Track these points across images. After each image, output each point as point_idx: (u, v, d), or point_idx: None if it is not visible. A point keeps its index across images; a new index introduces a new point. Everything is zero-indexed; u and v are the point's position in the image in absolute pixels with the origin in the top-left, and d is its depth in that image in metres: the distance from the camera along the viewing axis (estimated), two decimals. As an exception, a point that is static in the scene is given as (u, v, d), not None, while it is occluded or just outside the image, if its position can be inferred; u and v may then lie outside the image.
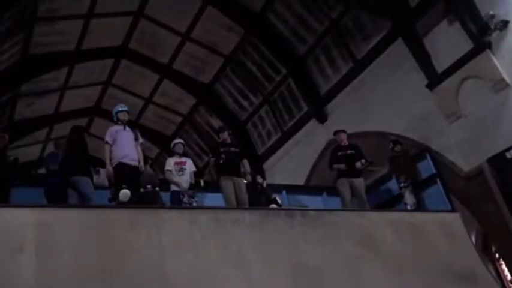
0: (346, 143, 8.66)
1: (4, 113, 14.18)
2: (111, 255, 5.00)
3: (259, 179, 8.38)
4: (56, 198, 6.23)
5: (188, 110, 15.73)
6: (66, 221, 5.10)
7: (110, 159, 6.23)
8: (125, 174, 6.08)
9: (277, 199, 7.89)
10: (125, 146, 6.32)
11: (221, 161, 7.31)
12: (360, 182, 8.26)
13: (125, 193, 5.77)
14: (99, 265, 4.85)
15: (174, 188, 7.23)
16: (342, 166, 8.22)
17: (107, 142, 6.36)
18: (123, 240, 5.16)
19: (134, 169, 6.25)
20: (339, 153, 8.51)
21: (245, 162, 7.63)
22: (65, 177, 6.11)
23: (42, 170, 8.66)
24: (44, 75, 13.18)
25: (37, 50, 12.38)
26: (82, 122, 16.74)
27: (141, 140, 6.70)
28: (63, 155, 6.47)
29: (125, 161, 6.18)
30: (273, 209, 7.33)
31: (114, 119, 6.68)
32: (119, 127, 6.56)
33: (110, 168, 6.17)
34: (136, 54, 13.98)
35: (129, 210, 5.70)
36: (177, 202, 6.99)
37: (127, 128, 6.60)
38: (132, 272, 4.95)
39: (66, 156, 6.36)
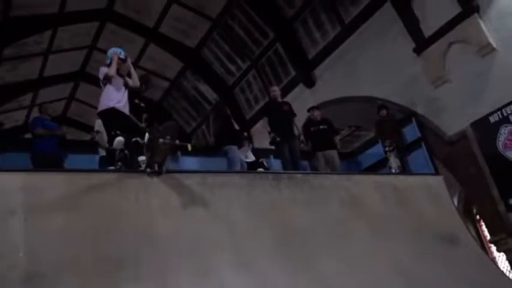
0: (319, 119, 8.99)
1: (-14, 78, 13.91)
2: (100, 218, 5.04)
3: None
4: (44, 162, 6.24)
5: (175, 75, 15.57)
6: (54, 185, 5.10)
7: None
8: (116, 120, 5.92)
9: (264, 163, 7.99)
10: (118, 91, 6.09)
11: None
12: (333, 154, 8.69)
13: (119, 141, 5.72)
14: (87, 228, 4.88)
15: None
16: (309, 146, 8.64)
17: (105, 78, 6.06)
18: (112, 203, 5.20)
19: (125, 116, 6.05)
20: (312, 129, 8.86)
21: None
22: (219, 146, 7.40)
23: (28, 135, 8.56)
24: (27, 39, 12.84)
25: (19, 13, 12.00)
26: (67, 87, 16.53)
27: (130, 82, 6.38)
28: (216, 129, 7.55)
29: (116, 106, 5.95)
30: (261, 172, 7.42)
31: (108, 61, 6.29)
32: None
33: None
34: (122, 17, 13.65)
35: (116, 173, 5.72)
36: None
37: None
38: (120, 235, 5.00)
39: (219, 129, 7.48)
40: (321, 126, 8.86)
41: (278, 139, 7.73)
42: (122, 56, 6.27)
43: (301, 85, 12.34)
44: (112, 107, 5.92)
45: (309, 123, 9.02)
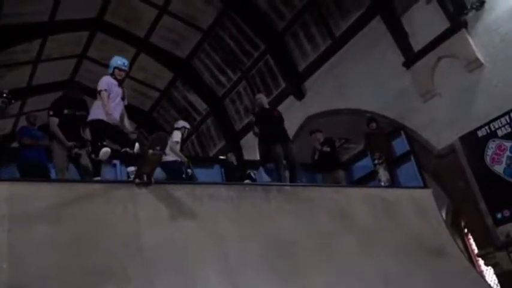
0: (322, 140, 9.10)
1: (-26, 85, 13.74)
2: (86, 229, 4.96)
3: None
4: (30, 172, 6.15)
5: (165, 85, 15.55)
6: (40, 196, 5.02)
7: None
8: (107, 131, 5.78)
9: (252, 174, 7.96)
10: (115, 102, 5.96)
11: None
12: (341, 174, 8.86)
13: (105, 151, 5.61)
14: (73, 239, 4.81)
15: (173, 158, 7.37)
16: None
17: (105, 90, 5.86)
18: (99, 214, 5.12)
19: (117, 127, 5.90)
20: (316, 157, 9.06)
21: None
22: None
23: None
24: (16, 47, 12.75)
25: (8, 21, 11.93)
26: (56, 96, 16.37)
27: (125, 101, 6.28)
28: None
29: (107, 119, 5.79)
30: (249, 184, 7.38)
31: (110, 71, 6.11)
32: (114, 81, 6.05)
33: (111, 115, 5.78)
34: (112, 26, 13.64)
35: (104, 184, 5.66)
36: (177, 173, 7.14)
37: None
38: (107, 246, 4.93)
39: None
40: (324, 148, 8.94)
41: (257, 131, 7.67)
42: (124, 68, 6.15)
43: (291, 97, 12.39)
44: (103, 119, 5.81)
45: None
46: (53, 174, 6.36)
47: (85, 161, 6.07)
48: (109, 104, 5.80)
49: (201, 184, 6.57)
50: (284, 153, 7.44)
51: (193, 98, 15.25)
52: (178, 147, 7.59)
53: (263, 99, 8.00)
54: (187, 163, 7.51)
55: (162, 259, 5.07)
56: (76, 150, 6.01)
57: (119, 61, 6.14)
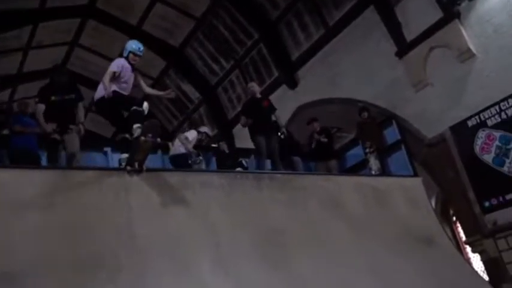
0: (318, 130, 9.24)
1: (-36, 72, 13.62)
2: (78, 216, 4.96)
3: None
4: (21, 159, 6.14)
5: (158, 74, 15.46)
6: (30, 182, 5.01)
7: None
8: (110, 106, 5.64)
9: (243, 162, 8.00)
10: (128, 84, 5.87)
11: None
12: (334, 164, 9.03)
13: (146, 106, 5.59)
14: (64, 226, 4.80)
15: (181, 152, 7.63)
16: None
17: (114, 73, 5.71)
18: (90, 201, 5.12)
19: (119, 98, 5.75)
20: (313, 142, 9.17)
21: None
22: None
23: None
24: (6, 33, 12.60)
25: (-2, 7, 11.80)
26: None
27: (146, 89, 6.20)
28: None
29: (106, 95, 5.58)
30: (241, 172, 7.41)
31: (125, 54, 5.91)
32: (128, 65, 5.87)
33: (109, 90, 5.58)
34: (104, 14, 13.51)
35: (96, 171, 5.66)
36: (185, 163, 7.35)
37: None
38: (99, 234, 4.94)
39: None
40: (321, 138, 9.06)
41: (243, 122, 7.76)
42: (139, 53, 5.94)
43: (284, 86, 12.39)
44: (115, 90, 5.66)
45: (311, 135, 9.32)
46: (44, 162, 6.35)
47: (71, 147, 6.03)
48: (107, 78, 5.62)
49: (193, 172, 6.58)
50: (266, 144, 7.50)
51: (186, 86, 15.20)
52: (190, 145, 7.71)
53: (255, 88, 7.99)
54: (195, 154, 7.71)
55: (154, 247, 5.09)
56: (55, 135, 5.96)
57: (134, 45, 5.93)
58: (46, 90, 6.23)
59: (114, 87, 5.69)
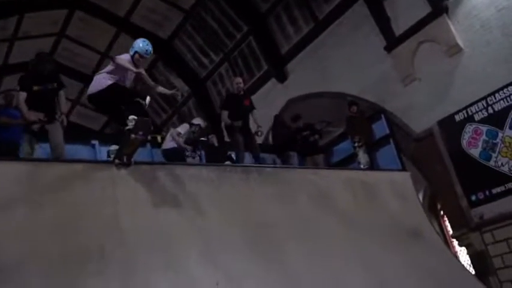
0: (301, 125, 9.41)
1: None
2: (64, 210, 4.89)
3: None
4: (7, 152, 6.03)
5: (147, 66, 15.29)
6: (16, 175, 4.94)
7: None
8: (106, 99, 5.49)
9: (232, 156, 7.99)
10: (126, 83, 5.66)
11: None
12: (320, 159, 9.15)
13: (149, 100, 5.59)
14: (51, 221, 4.73)
15: (172, 146, 7.66)
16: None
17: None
18: (77, 195, 5.06)
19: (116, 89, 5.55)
20: (298, 137, 9.29)
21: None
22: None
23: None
24: (-9, 24, 12.42)
25: (-18, -3, 11.59)
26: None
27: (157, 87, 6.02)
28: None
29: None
30: (230, 165, 7.39)
31: (131, 52, 5.61)
32: (132, 63, 5.57)
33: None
34: (92, 5, 13.32)
35: (83, 164, 5.60)
36: (176, 159, 7.26)
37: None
38: (86, 228, 4.86)
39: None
40: (304, 133, 9.18)
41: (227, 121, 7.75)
42: (146, 56, 5.66)
43: (273, 79, 12.36)
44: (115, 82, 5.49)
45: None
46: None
47: (56, 138, 5.93)
48: (127, 65, 5.44)
49: (182, 165, 6.54)
50: (245, 143, 7.63)
51: (175, 79, 15.10)
52: (180, 139, 7.71)
53: (241, 85, 7.97)
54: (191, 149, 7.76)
55: (142, 240, 5.06)
56: (36, 126, 5.85)
57: (142, 45, 5.61)
58: (27, 79, 6.05)
59: (111, 81, 5.52)
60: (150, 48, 5.65)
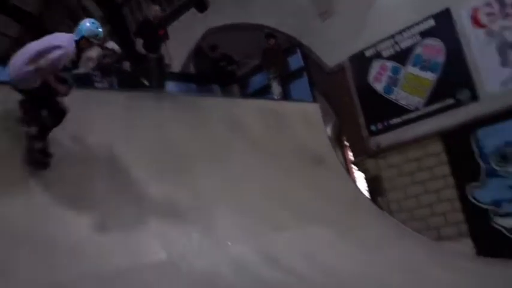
0: (218, 56, 9.53)
1: None
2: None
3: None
4: None
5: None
6: None
7: None
8: None
9: (145, 83, 7.71)
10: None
11: None
12: (235, 88, 9.35)
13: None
14: None
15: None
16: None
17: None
18: None
19: None
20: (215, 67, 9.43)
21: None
22: None
23: None
24: None
25: None
26: None
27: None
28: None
29: None
30: (143, 90, 7.16)
31: (76, 37, 4.85)
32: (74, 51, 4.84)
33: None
34: None
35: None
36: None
37: None
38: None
39: None
40: (221, 63, 9.22)
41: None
42: (96, 41, 4.95)
43: (193, 9, 12.00)
44: None
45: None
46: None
47: None
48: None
49: (93, 90, 6.35)
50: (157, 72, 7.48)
51: (88, 2, 14.12)
52: (91, 65, 7.02)
53: (158, 13, 7.67)
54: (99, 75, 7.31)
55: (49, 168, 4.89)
56: None
57: (90, 26, 4.83)
58: None
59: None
60: (101, 31, 4.96)
